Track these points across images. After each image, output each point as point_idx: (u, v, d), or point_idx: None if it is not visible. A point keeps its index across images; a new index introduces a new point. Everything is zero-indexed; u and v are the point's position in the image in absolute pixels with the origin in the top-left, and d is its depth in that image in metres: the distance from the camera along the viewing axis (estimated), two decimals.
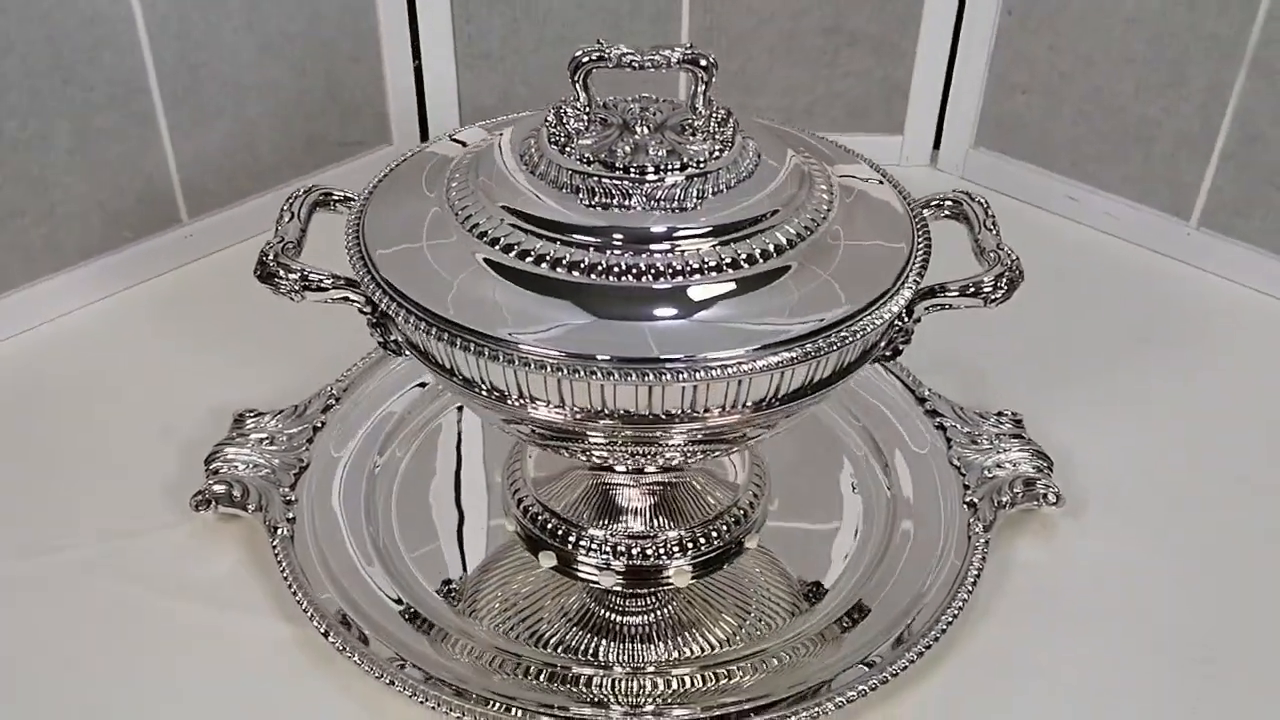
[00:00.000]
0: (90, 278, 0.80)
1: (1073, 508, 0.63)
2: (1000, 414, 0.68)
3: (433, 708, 0.51)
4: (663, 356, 0.45)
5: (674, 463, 0.55)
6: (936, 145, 0.97)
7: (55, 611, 0.57)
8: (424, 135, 0.97)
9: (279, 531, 0.59)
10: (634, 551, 0.58)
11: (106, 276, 0.81)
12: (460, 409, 0.70)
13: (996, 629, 0.57)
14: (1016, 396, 0.70)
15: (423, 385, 0.71)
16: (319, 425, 0.67)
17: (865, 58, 0.93)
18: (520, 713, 0.52)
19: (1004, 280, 0.52)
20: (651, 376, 0.45)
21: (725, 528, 0.60)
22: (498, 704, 0.52)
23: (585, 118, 0.52)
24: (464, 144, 0.58)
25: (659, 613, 0.60)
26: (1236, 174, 0.82)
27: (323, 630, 0.54)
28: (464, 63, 0.94)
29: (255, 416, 0.67)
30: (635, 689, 0.54)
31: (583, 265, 0.48)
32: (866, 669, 0.54)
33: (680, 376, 0.45)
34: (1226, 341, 0.78)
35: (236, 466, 0.63)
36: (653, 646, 0.58)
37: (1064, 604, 0.59)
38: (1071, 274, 0.85)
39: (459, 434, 0.69)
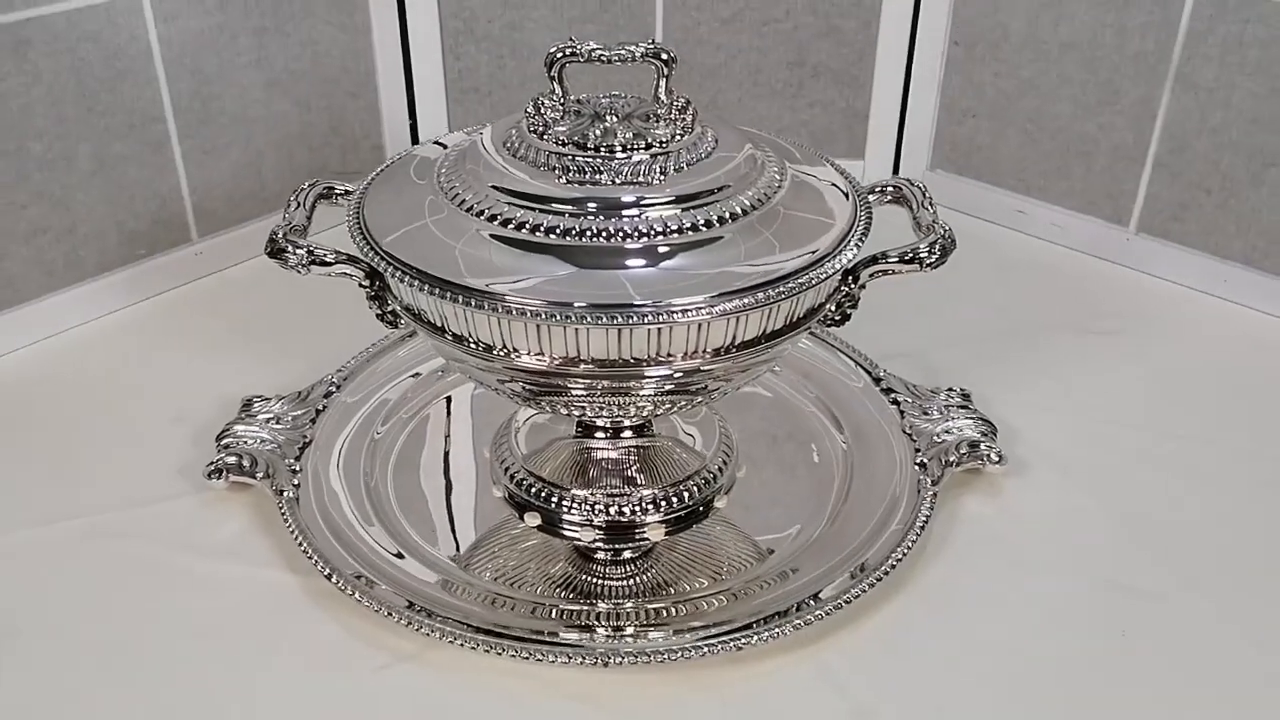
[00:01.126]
0: (107, 290, 0.85)
1: (1015, 468, 0.69)
2: (950, 389, 0.74)
3: (438, 638, 0.56)
4: (634, 302, 0.51)
5: (645, 413, 0.60)
6: (896, 168, 1.04)
7: (87, 565, 0.62)
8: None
9: (284, 494, 0.64)
10: (611, 509, 0.63)
11: (122, 290, 0.86)
12: (449, 399, 0.76)
13: (944, 568, 0.62)
14: (968, 379, 0.76)
15: (415, 375, 0.77)
16: (320, 408, 0.72)
17: (827, 89, 1.01)
18: (515, 641, 0.56)
19: (938, 247, 0.58)
20: (621, 318, 0.51)
21: (696, 488, 0.64)
22: (495, 634, 0.56)
23: (561, 108, 0.58)
24: (444, 146, 0.63)
25: (637, 570, 0.64)
26: (1169, 182, 0.88)
27: (327, 574, 0.59)
28: (454, 98, 1.01)
29: (262, 401, 0.72)
30: (618, 616, 0.59)
31: (559, 230, 0.53)
32: (821, 600, 0.58)
33: (647, 319, 0.51)
34: (1162, 333, 0.84)
35: (245, 442, 0.68)
36: (632, 596, 0.62)
37: (1005, 548, 0.64)
38: (1021, 279, 0.91)
39: (449, 417, 0.75)
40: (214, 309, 0.87)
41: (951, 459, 0.67)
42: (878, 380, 0.75)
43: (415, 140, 1.02)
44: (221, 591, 0.60)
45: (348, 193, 0.64)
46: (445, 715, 0.54)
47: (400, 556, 0.62)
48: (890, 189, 0.64)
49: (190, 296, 0.89)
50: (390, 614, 0.57)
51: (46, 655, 0.57)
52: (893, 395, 0.73)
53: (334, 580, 0.59)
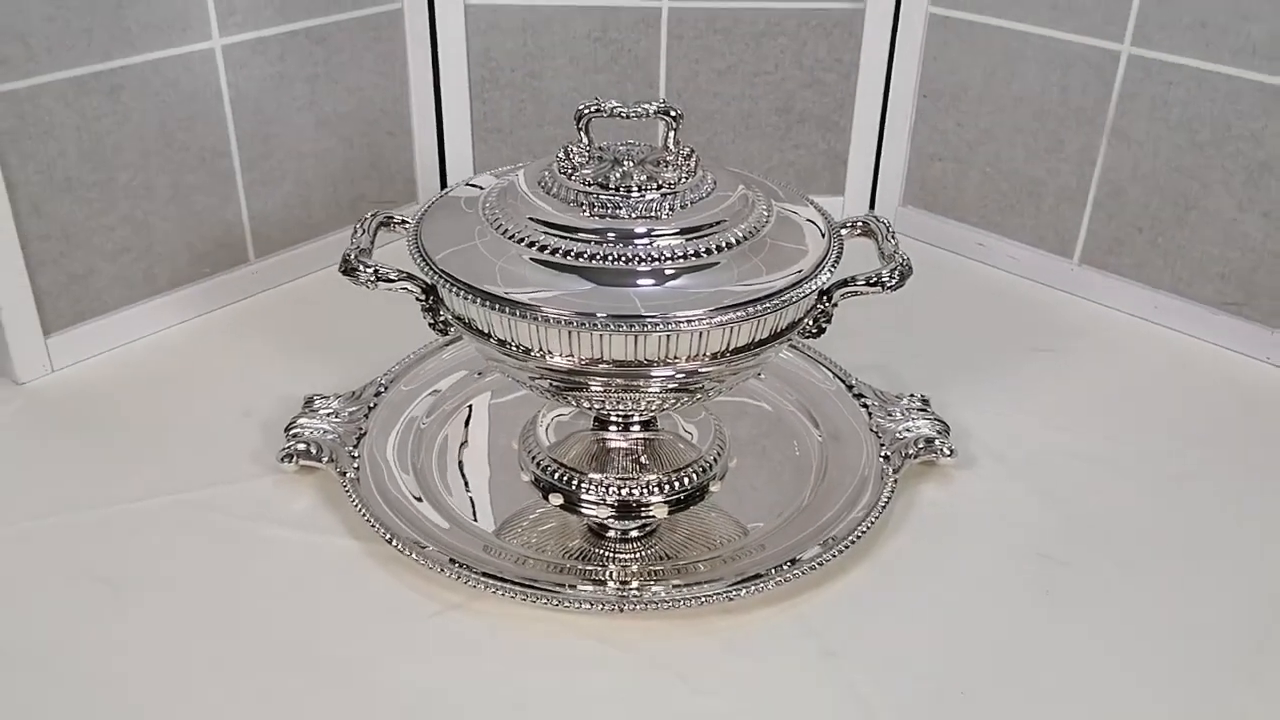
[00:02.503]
0: (176, 303, 0.97)
1: (964, 461, 0.80)
2: (912, 395, 0.85)
3: (480, 589, 0.67)
4: (646, 314, 0.63)
5: (652, 409, 0.72)
6: (872, 205, 1.16)
7: (182, 533, 0.73)
8: (443, 186, 1.16)
9: (347, 474, 0.76)
10: (622, 491, 0.75)
11: (190, 303, 0.98)
12: (486, 397, 0.87)
13: (901, 541, 0.74)
14: (928, 387, 0.88)
15: (461, 373, 0.88)
16: (373, 405, 0.83)
17: (811, 133, 1.13)
18: (542, 590, 0.67)
19: (897, 272, 0.70)
20: (636, 327, 0.62)
21: (694, 474, 0.76)
22: (525, 585, 0.67)
23: (586, 154, 0.70)
24: (480, 186, 0.74)
25: (643, 545, 0.75)
26: (1106, 221, 1.01)
27: (387, 538, 0.70)
28: (479, 136, 1.13)
29: (322, 399, 0.84)
30: (625, 575, 0.70)
31: (586, 254, 0.65)
32: (797, 563, 0.70)
33: (657, 328, 0.63)
34: (1098, 351, 0.95)
35: (310, 432, 0.80)
36: (638, 562, 0.73)
37: (956, 527, 0.75)
38: (979, 304, 1.03)
39: (482, 414, 0.86)
40: (269, 320, 0.98)
41: (910, 452, 0.79)
42: (850, 387, 0.87)
43: (444, 173, 1.14)
44: (297, 554, 0.72)
45: (404, 222, 0.76)
46: (486, 651, 0.66)
47: (445, 527, 0.74)
48: (860, 223, 0.76)
49: (247, 310, 1.00)
50: (441, 570, 0.68)
51: (152, 607, 0.68)
52: (862, 400, 0.85)
53: (393, 544, 0.70)
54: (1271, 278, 0.91)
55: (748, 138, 1.13)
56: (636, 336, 0.63)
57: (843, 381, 0.87)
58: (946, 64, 1.06)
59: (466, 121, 1.12)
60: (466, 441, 0.83)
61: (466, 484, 0.79)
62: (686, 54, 1.09)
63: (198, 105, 0.94)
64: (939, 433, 0.81)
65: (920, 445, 0.79)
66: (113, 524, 0.74)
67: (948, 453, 0.79)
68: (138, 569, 0.71)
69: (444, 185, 1.15)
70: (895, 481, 0.77)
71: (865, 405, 0.85)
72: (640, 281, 0.65)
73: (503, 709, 0.62)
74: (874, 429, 0.82)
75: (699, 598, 0.67)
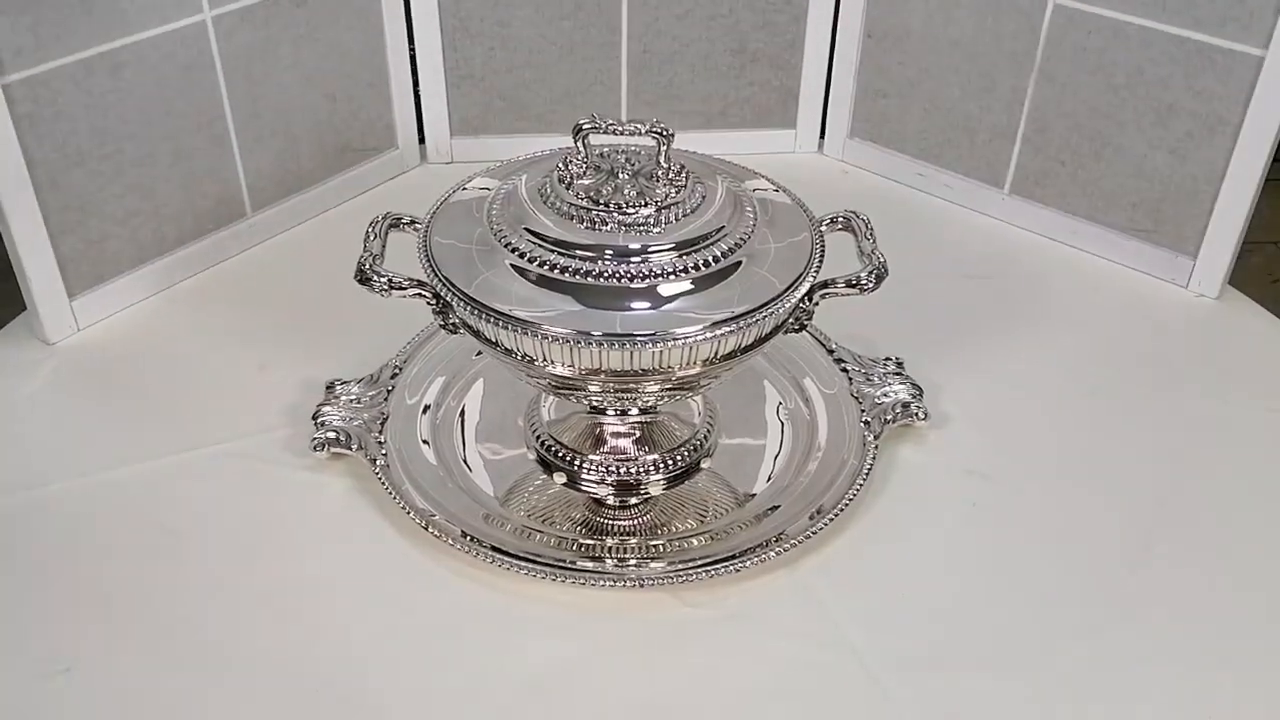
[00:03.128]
0: (186, 260, 1.05)
1: (938, 422, 0.88)
2: (887, 359, 0.91)
3: (485, 561, 0.76)
4: (640, 331, 0.69)
5: (649, 405, 0.78)
6: (822, 136, 1.25)
7: (223, 481, 0.82)
8: (421, 139, 1.23)
9: (377, 462, 0.82)
10: (621, 470, 0.82)
11: (196, 259, 1.05)
12: (486, 380, 0.93)
13: (885, 506, 0.81)
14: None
15: (446, 365, 0.94)
16: (390, 388, 0.89)
17: (765, 71, 1.21)
18: (543, 565, 0.75)
19: (874, 275, 0.76)
20: (630, 344, 0.69)
21: (688, 452, 0.83)
22: (528, 560, 0.75)
23: (584, 165, 0.75)
24: (487, 188, 0.79)
25: (640, 514, 0.82)
26: (1034, 154, 1.10)
27: (421, 523, 0.77)
28: (452, 83, 1.20)
29: (343, 384, 0.89)
30: (623, 550, 0.78)
31: (582, 271, 0.71)
32: (786, 536, 0.77)
33: (651, 343, 0.69)
34: (1030, 278, 1.06)
35: (336, 419, 0.86)
36: (636, 537, 0.79)
37: (932, 489, 0.83)
38: (919, 231, 1.11)
39: (489, 394, 0.92)
40: (267, 271, 1.06)
41: (889, 417, 0.86)
42: (831, 352, 0.93)
43: (419, 118, 1.21)
44: (332, 538, 0.80)
45: (413, 222, 0.81)
46: (493, 617, 0.75)
47: (466, 505, 0.81)
48: (841, 219, 0.81)
49: (247, 261, 1.08)
50: (460, 546, 0.77)
51: (202, 550, 0.79)
52: (843, 365, 0.92)
53: (429, 530, 0.77)
54: (1176, 208, 1.02)
55: (706, 77, 1.20)
56: (632, 351, 0.70)
57: (824, 346, 0.94)
58: (889, 7, 1.14)
59: (440, 69, 1.19)
60: (476, 419, 0.90)
61: (481, 458, 0.86)
62: (645, 1, 1.16)
63: (193, 75, 1.00)
64: (914, 396, 0.88)
65: (898, 410, 0.87)
66: (159, 475, 0.84)
67: (923, 417, 0.86)
68: (182, 518, 0.81)
69: (420, 129, 1.22)
70: (877, 447, 0.84)
71: (846, 370, 0.91)
72: (634, 298, 0.71)
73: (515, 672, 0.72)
74: (854, 394, 0.89)
75: (696, 574, 0.75)
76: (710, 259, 0.72)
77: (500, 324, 0.71)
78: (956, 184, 1.16)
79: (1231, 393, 0.93)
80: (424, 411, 0.90)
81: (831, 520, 0.79)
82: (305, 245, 1.11)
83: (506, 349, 0.73)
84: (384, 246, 0.79)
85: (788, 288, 0.73)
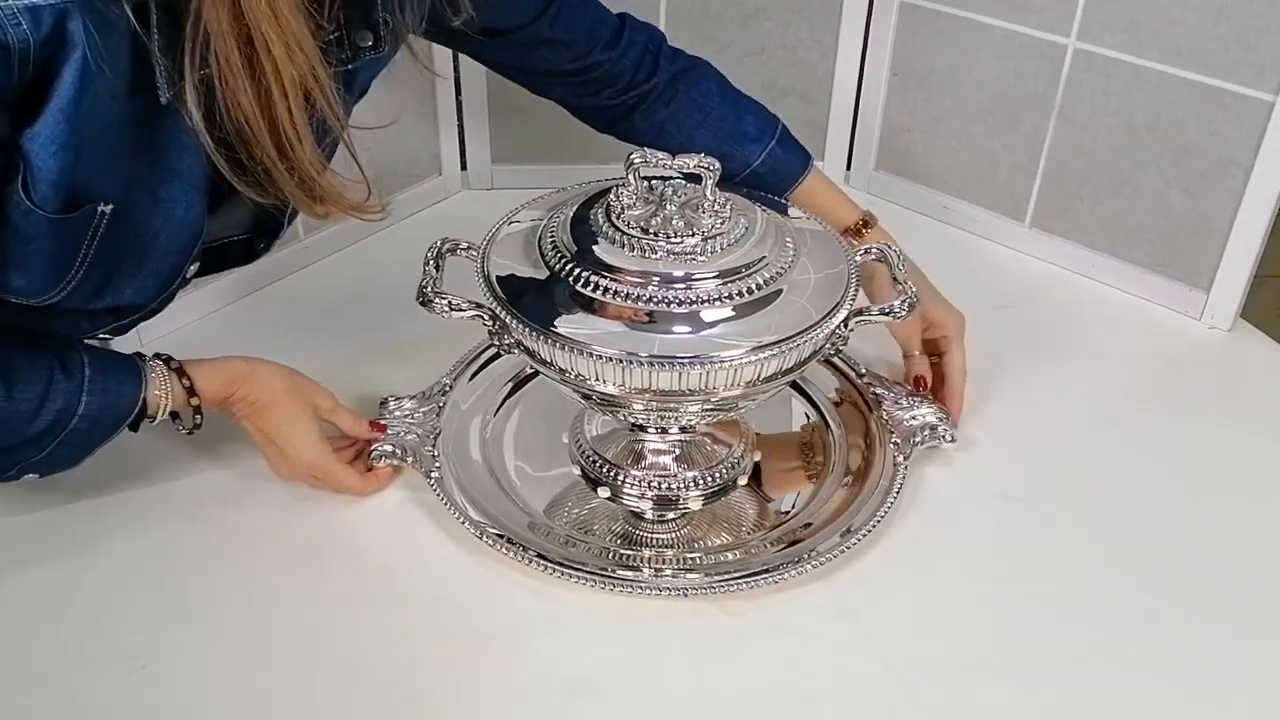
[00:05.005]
0: (242, 279, 1.10)
1: (965, 446, 0.92)
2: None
3: (529, 565, 0.80)
4: (686, 355, 0.72)
5: (689, 424, 0.82)
6: (849, 168, 1.30)
7: (279, 519, 0.86)
8: (463, 166, 1.28)
9: (432, 474, 0.86)
10: (661, 486, 0.85)
11: (252, 278, 1.10)
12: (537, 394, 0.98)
13: (914, 523, 0.85)
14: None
15: (513, 380, 0.99)
16: (441, 405, 0.93)
17: (794, 105, 1.26)
18: (586, 574, 0.79)
19: (906, 304, 0.80)
20: (678, 365, 0.72)
21: (724, 470, 0.87)
22: (569, 566, 0.80)
23: (634, 196, 0.79)
24: (539, 216, 0.83)
25: (677, 528, 0.86)
26: (1054, 190, 1.15)
27: (476, 533, 0.82)
28: (494, 113, 1.25)
29: (396, 400, 0.93)
30: (660, 560, 0.82)
31: (630, 295, 0.75)
32: (817, 553, 0.81)
33: (694, 366, 0.73)
34: (1051, 309, 1.10)
35: (392, 433, 0.89)
36: (673, 549, 0.84)
37: (959, 509, 0.87)
38: (945, 261, 1.14)
39: (534, 408, 0.97)
40: (319, 291, 1.11)
41: (917, 439, 0.90)
42: (860, 375, 0.97)
43: (463, 147, 1.26)
44: (386, 508, 0.86)
45: (470, 247, 0.84)
46: (543, 621, 0.79)
47: (515, 515, 0.85)
48: (876, 250, 0.86)
49: (300, 281, 1.13)
50: (510, 553, 0.81)
51: (269, 556, 0.83)
52: (872, 388, 0.96)
53: (483, 539, 0.82)
54: (1190, 244, 1.07)
55: None
56: (679, 372, 0.73)
57: (854, 370, 0.98)
58: (916, 47, 1.19)
59: (484, 99, 1.24)
60: (525, 435, 0.95)
61: (527, 471, 0.91)
62: (682, 37, 1.20)
63: None
64: (940, 420, 0.92)
65: (925, 433, 0.91)
66: (233, 484, 0.89)
67: (950, 439, 0.90)
68: (263, 524, 0.85)
69: (463, 158, 1.27)
70: (906, 468, 0.88)
71: (875, 393, 0.95)
72: (680, 322, 0.75)
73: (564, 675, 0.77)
74: (883, 417, 0.93)
75: (730, 584, 0.79)
76: (753, 286, 0.77)
77: (556, 344, 0.75)
78: (980, 217, 1.21)
79: (1242, 421, 0.97)
80: (474, 427, 0.94)
81: (862, 539, 0.83)
82: (355, 266, 1.16)
83: (561, 368, 0.77)
84: (441, 270, 0.84)
85: (825, 315, 0.77)
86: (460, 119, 1.25)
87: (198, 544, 0.84)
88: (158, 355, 0.81)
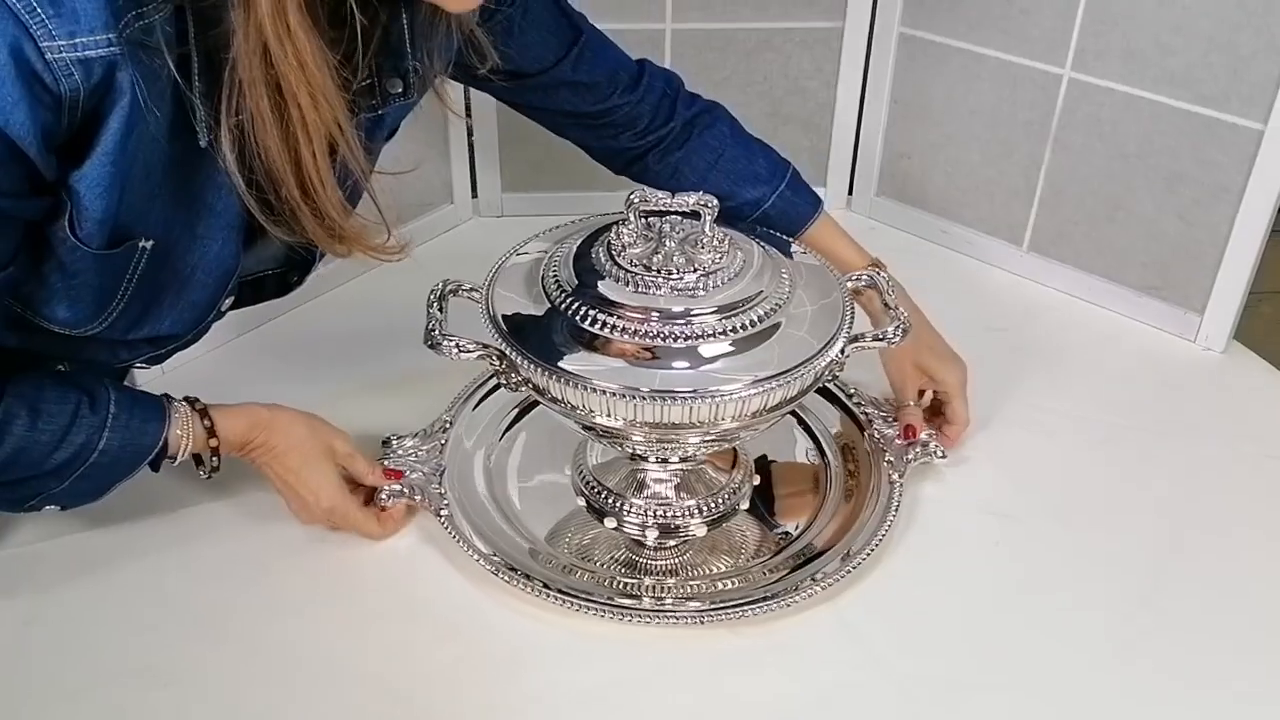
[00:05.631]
0: (253, 311, 1.11)
1: (961, 465, 0.95)
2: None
3: (534, 595, 0.82)
4: (685, 390, 0.74)
5: (691, 454, 0.84)
6: (850, 193, 1.33)
7: (304, 549, 0.88)
8: (474, 194, 1.31)
9: (442, 513, 0.88)
10: (661, 514, 0.87)
11: (262, 310, 1.12)
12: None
13: (914, 542, 0.88)
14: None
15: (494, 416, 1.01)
16: (444, 442, 0.95)
17: (796, 133, 1.28)
18: (585, 602, 0.81)
19: (899, 330, 0.83)
20: (683, 399, 0.74)
21: (724, 498, 0.88)
22: (571, 595, 0.82)
23: (633, 234, 0.81)
24: (541, 252, 0.85)
25: (678, 554, 0.88)
26: (1050, 215, 1.17)
27: (489, 568, 0.84)
28: (504, 143, 1.27)
29: (398, 439, 0.94)
30: (660, 590, 0.84)
31: (632, 331, 0.77)
32: (820, 578, 0.83)
33: (700, 399, 0.75)
34: (1047, 331, 1.13)
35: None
36: (673, 576, 0.87)
37: (957, 527, 0.90)
38: (943, 285, 1.17)
39: (536, 440, 1.00)
40: (329, 323, 1.14)
41: (909, 456, 0.92)
42: (850, 396, 1.00)
43: (474, 176, 1.29)
44: (407, 576, 0.86)
45: (472, 289, 0.86)
46: (551, 647, 0.81)
47: (524, 547, 0.88)
48: (865, 278, 0.89)
49: (312, 311, 1.16)
50: (516, 583, 0.83)
51: (285, 580, 0.86)
52: (863, 409, 0.99)
53: (481, 563, 0.85)
54: (1184, 268, 1.09)
55: None
56: (687, 406, 0.75)
57: (843, 391, 1.01)
58: (914, 77, 1.22)
59: (494, 129, 1.27)
60: (527, 467, 0.97)
61: (531, 504, 0.94)
62: (687, 69, 1.22)
63: None
64: (931, 436, 0.94)
65: (917, 450, 0.93)
66: (249, 512, 0.91)
67: (941, 455, 0.92)
68: (281, 549, 0.88)
69: (474, 187, 1.30)
70: (902, 486, 0.90)
71: (865, 414, 0.98)
72: (684, 358, 0.76)
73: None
74: (875, 436, 0.95)
75: (729, 611, 0.81)
76: (752, 320, 0.79)
77: (565, 381, 0.77)
78: (978, 241, 1.23)
79: (1234, 440, 1.00)
80: (478, 460, 0.96)
81: (862, 561, 0.85)
82: (368, 295, 1.18)
83: (570, 404, 0.79)
84: (444, 312, 0.85)
85: (824, 345, 0.79)
86: (471, 148, 1.28)
87: (219, 567, 0.87)
88: (186, 398, 0.84)
